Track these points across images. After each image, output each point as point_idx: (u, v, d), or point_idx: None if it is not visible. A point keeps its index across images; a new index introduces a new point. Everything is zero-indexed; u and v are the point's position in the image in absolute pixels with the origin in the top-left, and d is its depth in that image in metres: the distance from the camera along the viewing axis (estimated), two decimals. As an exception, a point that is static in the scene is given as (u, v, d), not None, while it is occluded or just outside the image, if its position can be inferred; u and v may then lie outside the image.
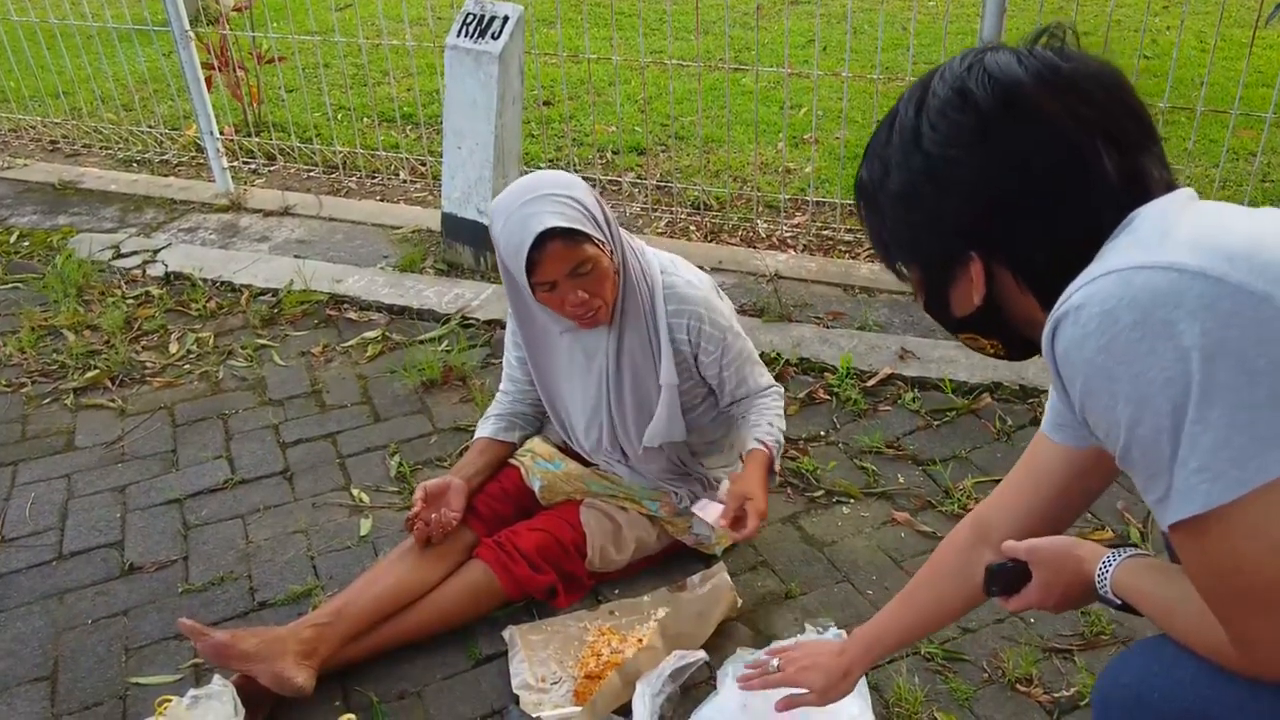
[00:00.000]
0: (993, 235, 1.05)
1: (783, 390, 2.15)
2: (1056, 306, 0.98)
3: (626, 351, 1.99)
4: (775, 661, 1.60)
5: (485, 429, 2.21)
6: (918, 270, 1.15)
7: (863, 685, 1.80)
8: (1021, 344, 1.16)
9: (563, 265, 1.81)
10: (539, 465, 2.16)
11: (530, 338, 2.07)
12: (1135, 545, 1.15)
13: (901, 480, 2.48)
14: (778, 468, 2.05)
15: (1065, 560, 1.20)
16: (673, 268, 2.02)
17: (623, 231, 1.96)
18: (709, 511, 2.01)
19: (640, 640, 1.95)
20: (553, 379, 2.10)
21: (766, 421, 2.05)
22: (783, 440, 2.07)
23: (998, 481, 2.41)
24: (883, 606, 2.07)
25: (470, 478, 2.10)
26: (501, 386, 2.24)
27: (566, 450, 2.22)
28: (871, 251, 3.65)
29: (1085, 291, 0.94)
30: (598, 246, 1.83)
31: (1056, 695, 1.87)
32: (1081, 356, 0.95)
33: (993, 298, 1.09)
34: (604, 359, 2.00)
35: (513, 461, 2.19)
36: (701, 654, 1.86)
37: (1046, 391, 2.75)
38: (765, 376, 2.13)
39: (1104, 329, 0.92)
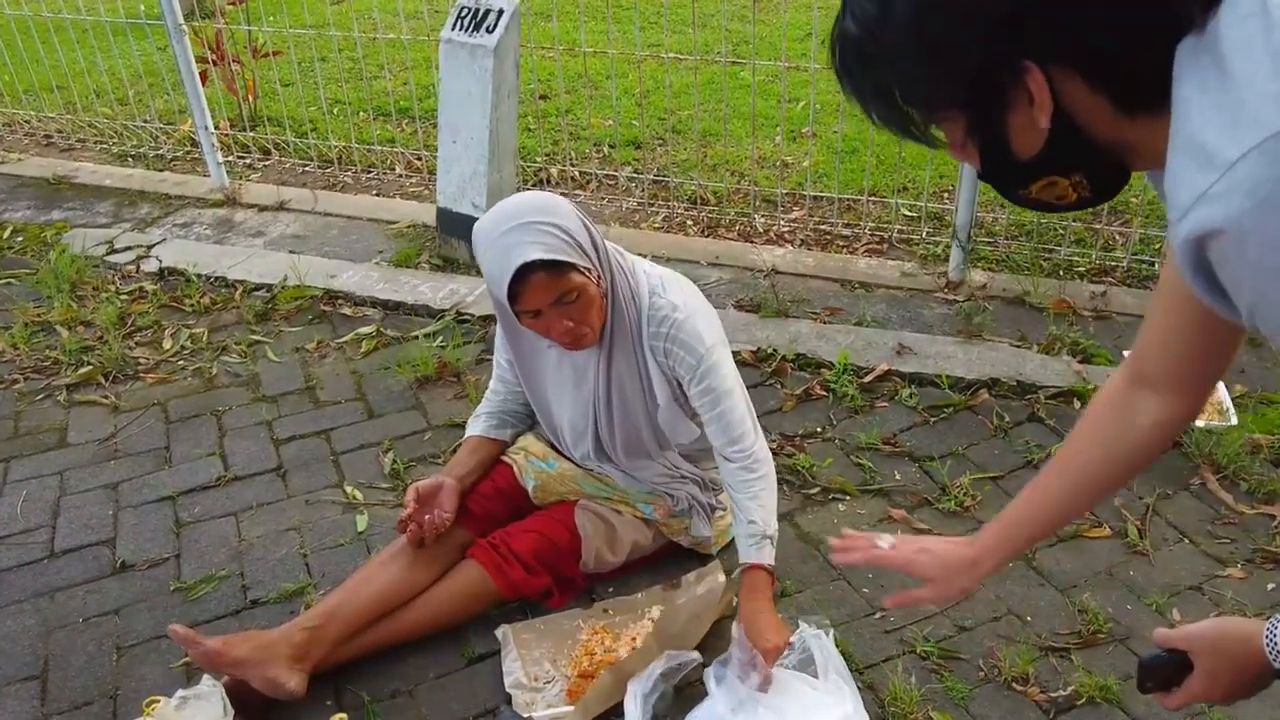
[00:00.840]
0: (1045, 20, 0.84)
1: (769, 455, 1.98)
2: (1184, 203, 0.80)
3: (615, 375, 1.96)
4: (887, 541, 1.39)
5: (476, 427, 2.19)
6: (959, 111, 0.92)
7: (854, 685, 1.78)
8: (1109, 172, 0.94)
9: (547, 295, 1.76)
10: (533, 464, 2.14)
11: (519, 351, 2.04)
12: None
13: (898, 477, 2.46)
14: (771, 566, 1.91)
15: (1227, 642, 1.08)
16: (662, 289, 1.94)
17: (613, 249, 1.91)
18: (752, 680, 1.78)
19: (634, 639, 1.94)
20: (542, 391, 2.08)
21: (749, 520, 1.90)
22: (774, 530, 1.92)
23: (995, 478, 2.44)
24: (878, 602, 2.09)
25: (462, 477, 2.08)
26: (491, 386, 2.22)
27: (559, 448, 2.20)
28: (869, 246, 3.64)
29: (1226, 183, 0.76)
30: (584, 274, 1.78)
31: (1053, 694, 1.86)
32: (1246, 261, 0.78)
33: (1063, 113, 0.88)
34: (593, 381, 1.97)
35: (505, 459, 2.17)
36: (695, 655, 1.84)
37: (1044, 388, 2.74)
38: (744, 426, 1.94)
39: (1267, 222, 0.75)
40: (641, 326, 1.92)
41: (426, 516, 1.98)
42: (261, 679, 1.79)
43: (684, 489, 2.13)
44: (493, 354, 2.21)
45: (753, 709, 1.66)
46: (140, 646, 2.05)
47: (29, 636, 2.09)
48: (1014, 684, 1.88)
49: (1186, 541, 2.23)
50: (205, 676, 1.79)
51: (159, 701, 1.73)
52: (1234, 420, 2.53)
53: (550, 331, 1.83)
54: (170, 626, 1.79)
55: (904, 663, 1.94)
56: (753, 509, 1.91)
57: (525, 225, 1.74)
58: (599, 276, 1.83)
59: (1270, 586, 2.10)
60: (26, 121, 5.11)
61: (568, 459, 2.17)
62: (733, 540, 2.25)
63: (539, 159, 4.42)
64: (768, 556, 1.90)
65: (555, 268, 1.74)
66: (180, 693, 1.73)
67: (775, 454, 2.23)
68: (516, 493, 2.14)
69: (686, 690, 1.86)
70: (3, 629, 2.11)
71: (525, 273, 1.72)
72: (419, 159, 4.45)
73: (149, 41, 5.76)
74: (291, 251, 3.73)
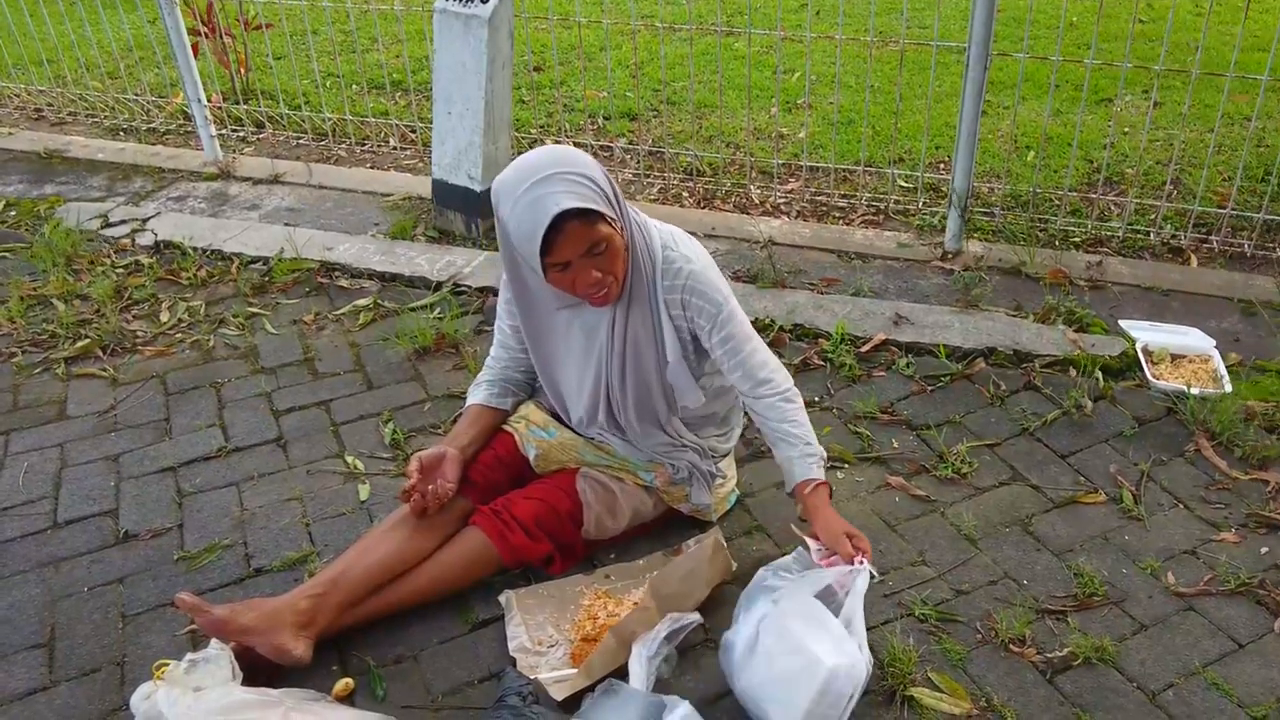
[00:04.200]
0: None
1: (795, 388, 2.04)
2: None
3: (629, 328, 1.97)
4: None
5: (477, 395, 2.20)
6: None
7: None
8: None
9: (579, 246, 1.77)
10: (534, 433, 2.15)
11: (528, 319, 2.05)
12: None
13: (895, 445, 2.48)
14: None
15: None
16: (673, 242, 1.98)
17: (629, 206, 1.93)
18: (826, 573, 1.85)
19: (636, 605, 1.96)
20: (551, 357, 2.09)
21: (804, 442, 1.98)
22: (823, 451, 2.01)
23: (991, 445, 2.46)
24: (879, 564, 2.10)
25: (464, 447, 2.08)
26: (492, 353, 2.22)
27: (559, 417, 2.21)
28: (866, 217, 3.64)
29: None
30: (610, 224, 1.80)
31: (1049, 655, 1.88)
32: None
33: None
34: (605, 335, 1.98)
35: (506, 428, 2.18)
36: (696, 616, 1.87)
37: (1040, 357, 2.76)
38: (769, 366, 2.01)
39: None
40: (656, 280, 1.94)
41: (430, 487, 1.99)
42: (268, 645, 1.80)
43: (684, 457, 2.14)
44: (490, 324, 2.22)
45: (777, 621, 1.69)
46: (145, 615, 2.06)
47: (34, 606, 2.10)
48: (1011, 645, 1.91)
49: (1181, 507, 2.25)
50: (213, 640, 1.80)
51: (168, 665, 1.74)
52: (1228, 388, 2.56)
53: (576, 285, 1.84)
54: (177, 594, 1.80)
55: (903, 625, 1.96)
56: (805, 433, 1.99)
57: (553, 176, 1.75)
58: (623, 228, 1.85)
59: (1264, 550, 2.12)
60: (16, 95, 5.07)
61: (568, 427, 2.18)
62: (731, 509, 2.28)
63: (533, 130, 4.41)
64: (824, 473, 1.99)
65: (587, 217, 1.75)
66: (189, 656, 1.74)
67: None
68: (517, 462, 2.15)
69: (689, 652, 1.89)
70: (8, 598, 2.12)
71: (560, 222, 1.73)
72: (413, 131, 4.43)
73: (139, 14, 5.71)
74: (287, 224, 3.73)
